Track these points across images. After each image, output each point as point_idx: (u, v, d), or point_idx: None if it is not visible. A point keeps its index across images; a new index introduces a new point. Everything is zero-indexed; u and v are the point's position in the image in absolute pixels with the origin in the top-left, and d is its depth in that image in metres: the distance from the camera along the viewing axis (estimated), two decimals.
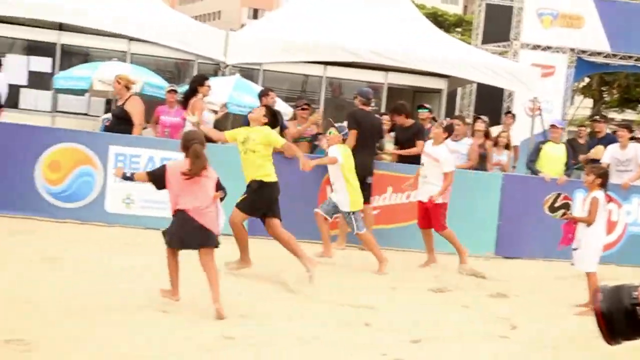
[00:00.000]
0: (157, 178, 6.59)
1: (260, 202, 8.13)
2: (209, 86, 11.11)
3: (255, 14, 77.76)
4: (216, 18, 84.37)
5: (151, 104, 13.94)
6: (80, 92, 13.99)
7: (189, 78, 15.21)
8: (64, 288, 6.80)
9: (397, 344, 6.08)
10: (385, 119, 11.94)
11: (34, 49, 15.34)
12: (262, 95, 11.21)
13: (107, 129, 11.22)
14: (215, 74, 14.87)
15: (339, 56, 15.47)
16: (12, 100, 14.18)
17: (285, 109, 12.96)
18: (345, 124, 9.93)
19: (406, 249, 10.45)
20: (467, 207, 10.96)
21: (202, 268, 6.50)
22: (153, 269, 7.52)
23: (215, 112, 12.01)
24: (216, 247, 6.53)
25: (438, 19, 43.80)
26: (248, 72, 15.43)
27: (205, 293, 6.96)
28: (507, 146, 12.43)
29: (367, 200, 10.52)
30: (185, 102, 11.05)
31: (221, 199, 6.65)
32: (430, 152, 9.71)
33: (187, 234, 6.42)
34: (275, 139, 8.22)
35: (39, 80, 14.94)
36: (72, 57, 15.81)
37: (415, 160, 10.42)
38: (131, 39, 14.94)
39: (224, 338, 5.76)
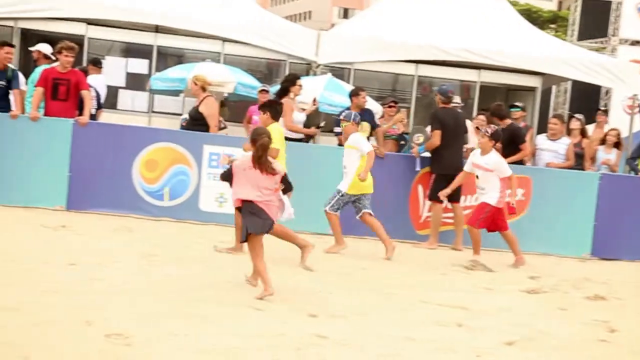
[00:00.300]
0: (227, 175, 7.24)
1: None
2: (300, 85, 11.16)
3: (345, 13, 77.94)
4: (307, 18, 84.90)
5: (244, 104, 14.17)
6: (175, 93, 14.28)
7: (281, 78, 15.36)
8: (160, 283, 6.96)
9: (491, 346, 5.99)
10: (480, 119, 11.83)
11: (131, 51, 15.74)
12: (352, 94, 11.21)
13: (183, 129, 11.43)
14: (307, 74, 14.95)
15: (430, 54, 15.34)
16: (111, 101, 14.61)
17: (376, 108, 12.93)
18: (349, 110, 9.97)
19: (499, 249, 10.29)
20: (562, 207, 10.73)
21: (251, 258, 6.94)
22: (247, 267, 7.60)
23: (304, 110, 12.03)
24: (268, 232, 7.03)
25: (532, 16, 42.94)
26: (339, 72, 15.45)
27: (298, 291, 7.03)
28: (616, 144, 12.06)
29: (456, 199, 10.43)
30: None
31: (283, 191, 7.17)
32: (481, 163, 9.56)
33: (253, 219, 6.83)
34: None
35: (136, 82, 15.33)
36: (167, 58, 16.17)
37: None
38: (224, 40, 15.16)
39: (316, 337, 5.78)
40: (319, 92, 13.23)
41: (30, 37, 14.80)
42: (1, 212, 9.64)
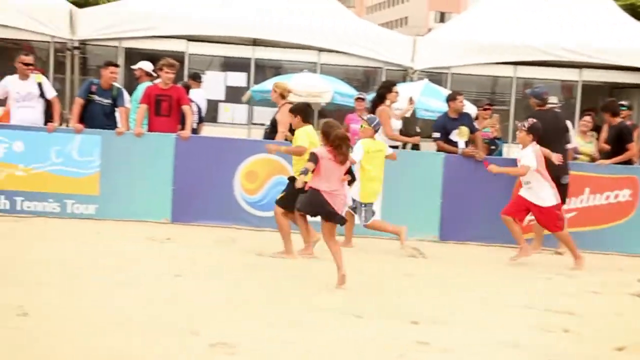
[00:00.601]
0: (314, 158, 7.29)
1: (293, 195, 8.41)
2: (396, 92, 11.12)
3: (442, 18, 77.30)
4: (403, 24, 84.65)
5: (342, 113, 14.24)
6: (274, 104, 14.46)
7: (377, 85, 15.39)
8: (264, 292, 7.06)
9: (600, 352, 5.82)
10: (586, 120, 11.54)
11: (230, 64, 16.08)
12: (450, 99, 11.11)
13: (265, 137, 11.55)
14: (403, 80, 14.93)
15: (529, 55, 15.09)
16: (211, 114, 14.96)
17: (474, 112, 12.78)
18: (374, 116, 9.86)
19: (604, 252, 9.99)
20: None
21: (325, 242, 7.44)
22: (351, 274, 7.64)
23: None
24: (341, 224, 7.45)
25: (637, 10, 41.53)
26: (436, 77, 15.36)
27: (397, 297, 7.01)
28: None
29: (562, 200, 10.20)
30: (373, 109, 11.14)
31: (349, 183, 7.48)
32: (519, 157, 9.46)
33: (315, 205, 7.32)
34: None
35: (235, 95, 15.63)
36: (265, 70, 16.43)
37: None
38: (320, 50, 15.30)
39: (418, 343, 5.75)
40: (415, 98, 13.15)
41: (133, 55, 15.31)
42: (110, 226, 9.98)
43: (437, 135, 10.89)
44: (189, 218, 10.50)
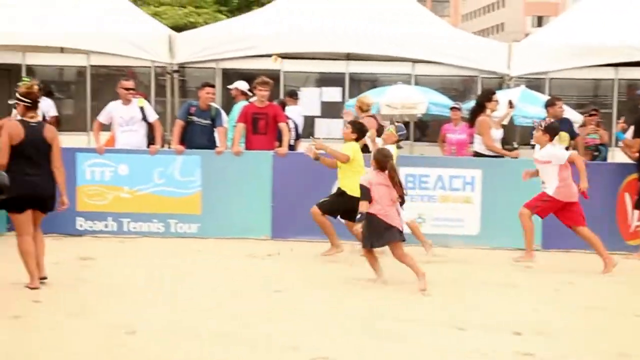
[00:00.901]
0: (366, 194, 7.90)
1: (337, 205, 9.26)
2: (496, 101, 10.94)
3: (539, 22, 75.90)
4: (499, 30, 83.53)
5: (438, 123, 14.16)
6: None
7: (473, 94, 15.22)
8: (363, 305, 7.07)
9: None
10: None
11: (324, 80, 16.20)
12: (548, 104, 10.90)
13: None
14: (500, 87, 14.72)
15: (631, 56, 14.62)
16: (308, 130, 15.08)
17: (575, 117, 12.48)
18: (402, 125, 9.93)
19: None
20: None
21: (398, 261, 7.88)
22: (446, 285, 7.59)
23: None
24: (402, 241, 7.92)
25: None
26: (534, 82, 15.08)
27: (499, 308, 6.91)
28: None
29: None
30: (472, 119, 11.01)
31: (401, 204, 8.02)
32: (537, 157, 9.21)
33: (376, 234, 7.82)
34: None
35: (330, 110, 15.73)
36: (360, 84, 16.49)
37: None
38: (414, 61, 15.25)
39: (523, 355, 5.65)
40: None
41: (230, 75, 15.62)
42: (212, 244, 10.19)
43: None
44: (289, 234, 10.60)
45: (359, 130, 9.33)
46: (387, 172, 7.85)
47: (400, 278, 8.04)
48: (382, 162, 7.89)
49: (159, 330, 6.18)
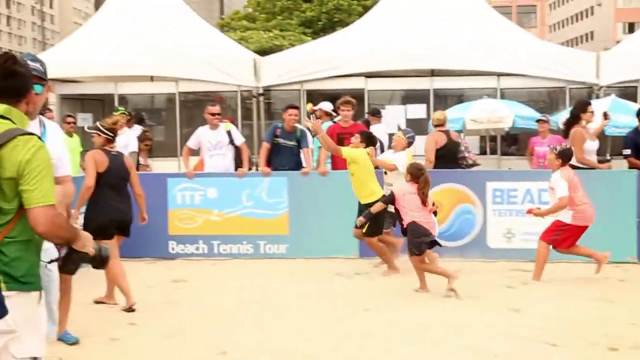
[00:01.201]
0: (389, 200, 8.79)
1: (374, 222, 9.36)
2: (592, 112, 10.65)
3: (631, 28, 73.92)
4: (589, 39, 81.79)
5: (525, 136, 13.95)
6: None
7: (562, 106, 14.96)
8: (454, 322, 7.02)
9: None
10: None
11: (409, 97, 16.20)
12: None
13: None
14: (589, 97, 14.40)
15: None
16: None
17: None
18: (409, 129, 10.13)
19: None
20: None
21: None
22: (539, 300, 7.45)
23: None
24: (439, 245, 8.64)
25: None
26: (624, 91, 14.71)
27: (595, 323, 6.76)
28: None
29: None
30: (567, 130, 10.77)
31: (435, 213, 8.65)
32: (550, 180, 8.95)
33: (423, 238, 8.38)
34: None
35: (416, 126, 15.69)
36: (445, 99, 16.42)
37: None
38: (499, 74, 15.10)
39: None
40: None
41: (315, 97, 15.79)
42: (301, 264, 10.27)
43: (627, 152, 10.44)
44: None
45: (367, 139, 9.76)
46: (418, 184, 8.51)
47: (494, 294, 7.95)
48: (416, 175, 8.56)
49: (248, 351, 6.27)
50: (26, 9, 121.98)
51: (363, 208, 9.36)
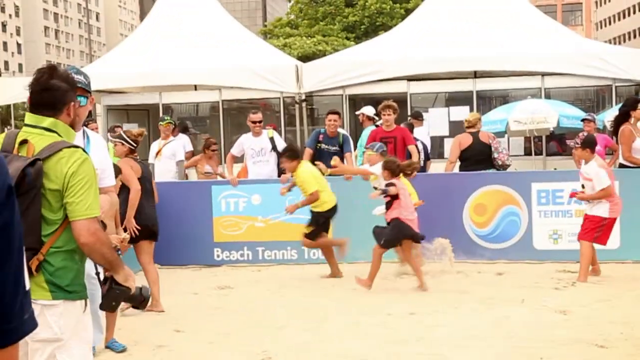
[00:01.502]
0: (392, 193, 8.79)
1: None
2: None
3: None
4: (636, 35, 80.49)
5: (571, 136, 13.76)
6: (499, 135, 14.29)
7: (608, 104, 14.76)
8: (499, 327, 6.97)
9: None
10: None
11: (452, 99, 16.12)
12: None
13: None
14: (636, 94, 14.19)
15: None
16: (437, 150, 15.04)
17: None
18: (378, 143, 9.96)
19: None
20: None
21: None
22: (591, 301, 7.36)
23: None
24: (418, 242, 8.97)
25: None
26: None
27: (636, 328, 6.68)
28: None
29: None
30: (616, 128, 10.61)
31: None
32: (583, 171, 8.80)
33: (397, 238, 8.80)
34: None
35: (459, 129, 15.59)
36: (489, 101, 16.31)
37: None
38: (543, 74, 14.94)
39: None
40: None
41: (357, 101, 15.81)
42: (345, 268, 10.26)
43: None
44: (423, 255, 10.54)
45: (291, 155, 9.80)
46: (399, 177, 8.83)
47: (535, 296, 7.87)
48: (394, 169, 8.82)
49: (294, 356, 6.30)
50: (74, 23, 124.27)
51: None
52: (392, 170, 8.82)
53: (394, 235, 8.78)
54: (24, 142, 3.51)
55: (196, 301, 8.51)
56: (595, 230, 8.85)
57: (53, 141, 3.51)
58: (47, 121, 3.57)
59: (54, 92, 3.60)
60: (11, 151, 3.49)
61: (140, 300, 3.79)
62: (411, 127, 12.23)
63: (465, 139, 10.95)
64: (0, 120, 16.08)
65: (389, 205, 8.86)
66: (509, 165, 11.10)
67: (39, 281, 3.43)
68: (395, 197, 8.73)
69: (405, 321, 7.36)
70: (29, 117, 3.62)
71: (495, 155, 10.90)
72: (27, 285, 1.73)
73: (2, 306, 1.66)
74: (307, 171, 9.76)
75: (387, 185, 8.78)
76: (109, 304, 3.78)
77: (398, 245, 9.02)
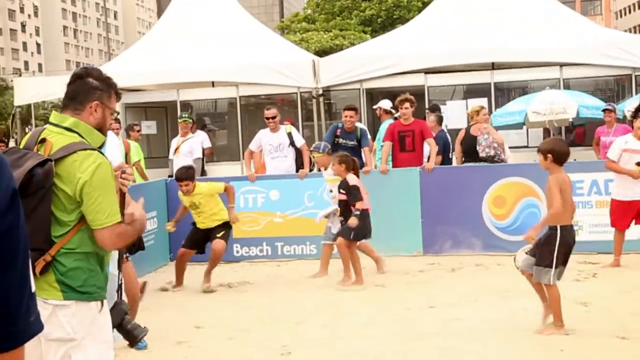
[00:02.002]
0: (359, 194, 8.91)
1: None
2: None
3: None
4: None
5: (592, 127, 13.66)
6: (518, 126, 14.22)
7: (629, 94, 14.61)
8: (518, 319, 6.94)
9: None
10: None
11: (469, 91, 16.03)
12: None
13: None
14: None
15: None
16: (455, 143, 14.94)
17: None
18: (320, 142, 10.20)
19: None
20: None
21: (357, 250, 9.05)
22: (615, 293, 7.30)
23: None
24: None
25: None
26: None
27: None
28: None
29: None
30: (636, 116, 10.48)
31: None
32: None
33: (364, 231, 8.93)
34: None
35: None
36: (511, 92, 16.21)
37: None
38: (562, 64, 14.82)
39: None
40: None
41: (375, 95, 15.75)
42: (365, 263, 10.23)
43: None
44: (440, 249, 10.54)
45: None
46: (355, 170, 8.96)
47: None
48: (349, 162, 8.92)
49: (314, 351, 6.30)
50: (92, 22, 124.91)
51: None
52: (347, 163, 8.93)
53: (364, 227, 8.91)
54: (43, 140, 3.51)
55: (215, 297, 8.53)
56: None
57: (71, 142, 3.49)
58: (69, 121, 3.56)
59: (80, 85, 3.62)
60: (32, 148, 3.49)
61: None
62: (440, 119, 12.28)
63: (461, 133, 11.35)
64: (21, 120, 16.17)
65: (343, 205, 8.98)
66: (493, 158, 10.96)
67: (50, 280, 3.41)
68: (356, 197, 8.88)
69: (424, 315, 7.34)
70: (54, 116, 3.63)
71: (478, 148, 10.90)
72: (33, 287, 1.72)
73: (8, 309, 1.65)
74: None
75: (353, 188, 8.88)
76: (113, 319, 3.82)
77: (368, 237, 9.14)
